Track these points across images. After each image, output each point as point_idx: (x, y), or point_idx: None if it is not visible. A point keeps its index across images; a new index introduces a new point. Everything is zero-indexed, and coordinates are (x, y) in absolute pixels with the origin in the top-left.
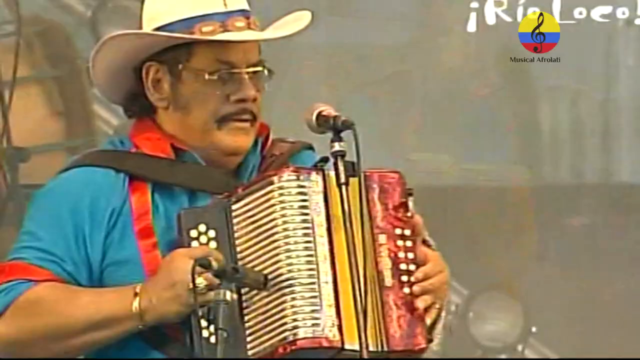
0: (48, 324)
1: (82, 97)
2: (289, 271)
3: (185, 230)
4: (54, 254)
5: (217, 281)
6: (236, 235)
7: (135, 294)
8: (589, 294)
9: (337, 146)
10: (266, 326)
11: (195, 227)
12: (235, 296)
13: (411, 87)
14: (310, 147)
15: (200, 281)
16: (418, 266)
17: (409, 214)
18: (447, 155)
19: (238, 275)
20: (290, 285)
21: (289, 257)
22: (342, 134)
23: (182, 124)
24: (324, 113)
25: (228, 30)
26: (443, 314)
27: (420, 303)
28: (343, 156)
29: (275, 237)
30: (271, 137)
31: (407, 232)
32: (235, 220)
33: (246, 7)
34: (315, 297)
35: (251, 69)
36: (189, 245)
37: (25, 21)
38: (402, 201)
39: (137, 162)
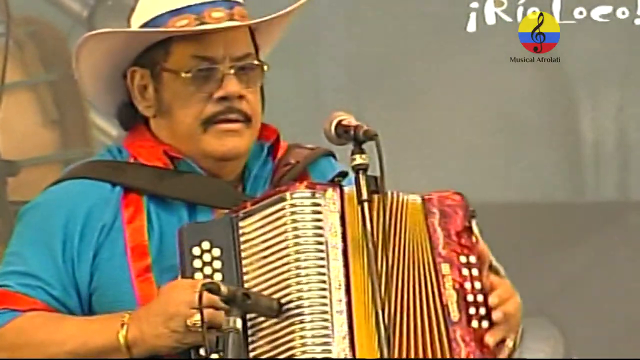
0: (30, 358)
1: (78, 104)
2: (299, 298)
3: (188, 248)
4: (40, 279)
5: (220, 313)
6: (243, 255)
7: (123, 324)
8: (636, 320)
9: (358, 159)
10: (273, 357)
11: (199, 244)
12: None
13: (434, 95)
14: (331, 154)
15: (197, 317)
16: (486, 297)
17: (473, 239)
18: (480, 169)
19: (249, 301)
20: (300, 314)
21: (299, 283)
22: (364, 146)
23: (170, 131)
24: (343, 123)
25: (205, 23)
26: (516, 354)
27: (489, 339)
28: (365, 170)
29: (286, 259)
30: (284, 142)
31: (473, 259)
32: (242, 239)
33: None
34: (326, 327)
35: (235, 64)
36: (191, 264)
37: (15, 21)
38: (465, 225)
39: (134, 173)
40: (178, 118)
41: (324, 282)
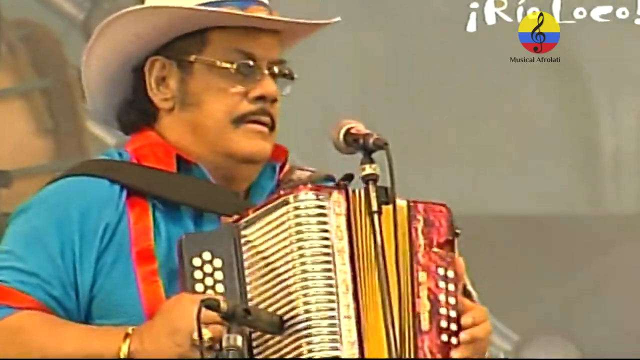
0: (24, 358)
1: (74, 112)
2: (305, 303)
3: (188, 258)
4: (38, 276)
5: (221, 331)
6: (246, 264)
7: (127, 335)
8: None
9: (367, 169)
10: None
11: (199, 255)
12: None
13: (444, 102)
14: (332, 179)
15: (206, 332)
16: (459, 314)
17: (453, 255)
18: (490, 178)
19: (250, 317)
20: (307, 320)
21: (305, 288)
22: (374, 155)
23: (191, 125)
24: (352, 131)
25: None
26: None
27: (455, 354)
28: (375, 181)
29: (290, 264)
30: (289, 163)
31: (451, 274)
32: (245, 248)
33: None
34: (334, 332)
35: (273, 67)
36: (192, 275)
37: (7, 24)
38: (448, 238)
39: (136, 173)
40: (207, 111)
41: (330, 286)
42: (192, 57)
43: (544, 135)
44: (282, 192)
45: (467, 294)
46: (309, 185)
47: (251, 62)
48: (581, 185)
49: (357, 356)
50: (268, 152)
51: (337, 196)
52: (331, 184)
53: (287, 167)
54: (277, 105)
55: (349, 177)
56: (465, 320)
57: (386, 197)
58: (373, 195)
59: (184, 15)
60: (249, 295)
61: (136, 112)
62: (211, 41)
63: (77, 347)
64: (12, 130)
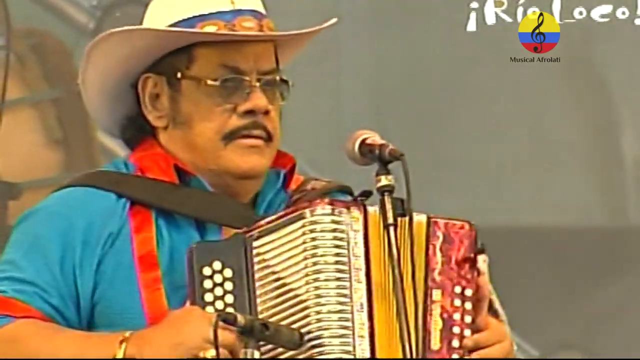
0: None
1: (84, 123)
2: (318, 320)
3: (198, 267)
4: (36, 285)
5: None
6: (256, 276)
7: (122, 341)
8: None
9: (383, 180)
10: None
11: (209, 264)
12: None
13: (461, 112)
14: (347, 191)
15: (210, 352)
16: (474, 333)
17: (474, 273)
18: (507, 189)
19: (268, 332)
20: (319, 337)
21: (318, 304)
22: (390, 166)
23: (184, 143)
24: (368, 141)
25: (235, 31)
26: None
27: None
28: (391, 192)
29: (304, 280)
30: (298, 176)
31: (469, 292)
32: (256, 259)
33: (259, 8)
34: (348, 352)
35: (263, 78)
36: (201, 285)
37: (16, 33)
38: (468, 256)
39: (141, 186)
40: (197, 130)
41: (344, 304)
42: (180, 74)
43: (564, 145)
44: (298, 206)
45: (494, 312)
46: (326, 200)
47: (237, 77)
48: (603, 197)
49: None
50: (263, 166)
51: (355, 212)
52: (346, 196)
53: (298, 180)
54: (273, 116)
55: (367, 194)
56: (465, 342)
57: (402, 209)
58: (389, 207)
59: (161, 36)
60: (259, 308)
61: (135, 128)
62: (197, 57)
63: (72, 353)
64: (21, 141)
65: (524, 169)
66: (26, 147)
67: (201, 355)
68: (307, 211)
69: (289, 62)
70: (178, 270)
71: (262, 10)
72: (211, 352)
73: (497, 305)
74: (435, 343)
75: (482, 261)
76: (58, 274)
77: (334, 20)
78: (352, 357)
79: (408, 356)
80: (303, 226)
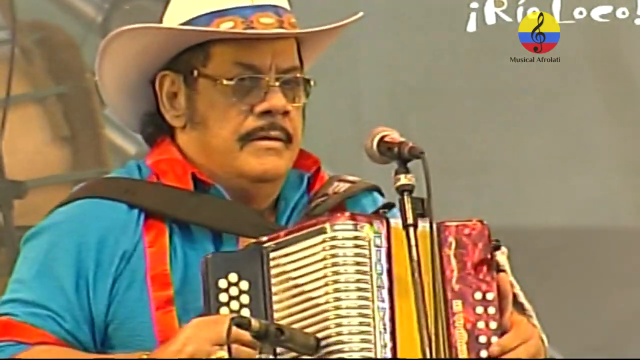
0: None
1: (91, 119)
2: (338, 342)
3: (213, 280)
4: (48, 309)
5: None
6: (274, 290)
7: None
8: None
9: (403, 179)
10: None
11: (225, 277)
12: None
13: (484, 110)
14: (376, 190)
15: (221, 353)
16: (502, 335)
17: (493, 273)
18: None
19: (283, 337)
20: (341, 353)
21: (338, 325)
22: (409, 164)
23: (201, 145)
24: (387, 139)
25: (252, 28)
26: None
27: None
28: (410, 192)
29: (324, 298)
30: (324, 173)
31: (490, 295)
32: (273, 272)
33: (282, 3)
34: None
35: (282, 77)
36: (217, 298)
37: (22, 26)
38: (483, 257)
39: (155, 194)
40: (213, 131)
41: (367, 324)
42: (196, 73)
43: (590, 144)
44: (318, 219)
45: (520, 307)
46: (348, 214)
47: (253, 75)
48: (633, 197)
49: None
50: (281, 168)
51: (377, 226)
52: (375, 195)
53: (325, 177)
54: (293, 116)
55: (390, 206)
56: (491, 350)
57: (422, 209)
58: (408, 207)
59: (174, 34)
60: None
61: (154, 126)
62: (213, 55)
63: None
64: (27, 138)
65: (550, 170)
66: (32, 144)
67: (213, 356)
68: (327, 225)
69: (312, 63)
70: (192, 288)
71: (286, 6)
72: (222, 353)
73: (522, 298)
74: (462, 357)
75: (500, 254)
76: (72, 296)
77: (360, 14)
78: None
79: None
80: (324, 241)
